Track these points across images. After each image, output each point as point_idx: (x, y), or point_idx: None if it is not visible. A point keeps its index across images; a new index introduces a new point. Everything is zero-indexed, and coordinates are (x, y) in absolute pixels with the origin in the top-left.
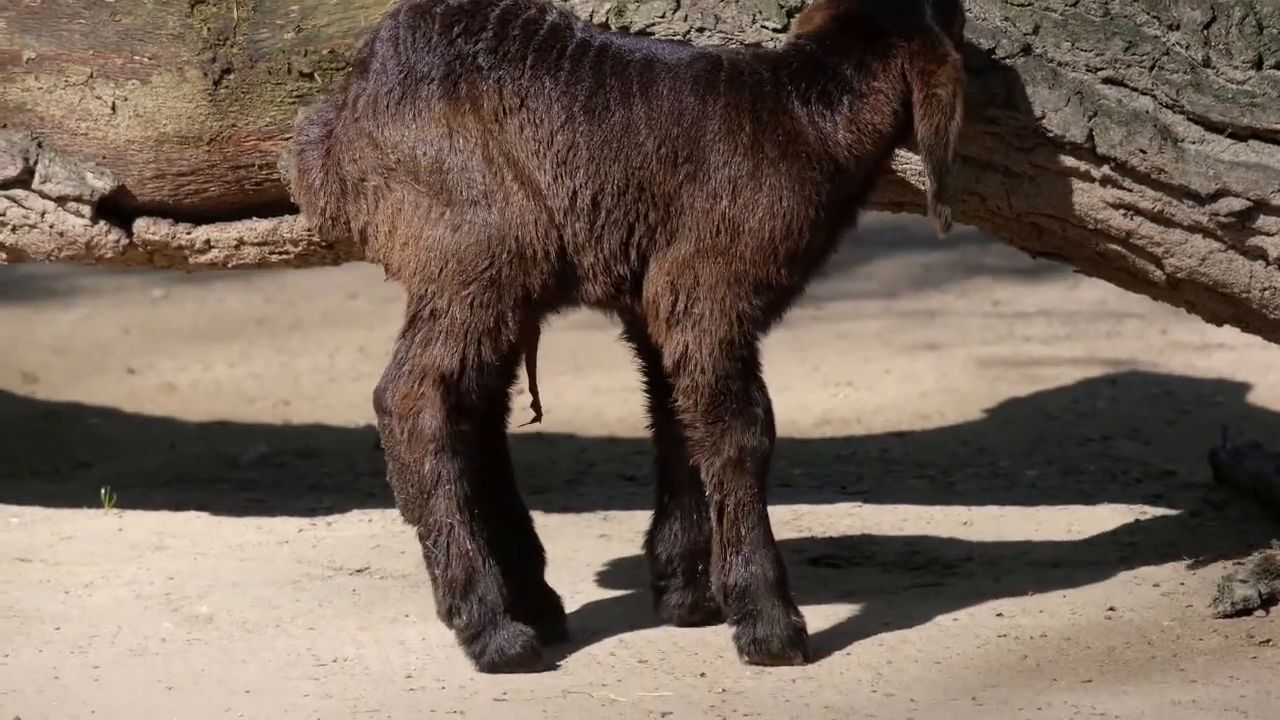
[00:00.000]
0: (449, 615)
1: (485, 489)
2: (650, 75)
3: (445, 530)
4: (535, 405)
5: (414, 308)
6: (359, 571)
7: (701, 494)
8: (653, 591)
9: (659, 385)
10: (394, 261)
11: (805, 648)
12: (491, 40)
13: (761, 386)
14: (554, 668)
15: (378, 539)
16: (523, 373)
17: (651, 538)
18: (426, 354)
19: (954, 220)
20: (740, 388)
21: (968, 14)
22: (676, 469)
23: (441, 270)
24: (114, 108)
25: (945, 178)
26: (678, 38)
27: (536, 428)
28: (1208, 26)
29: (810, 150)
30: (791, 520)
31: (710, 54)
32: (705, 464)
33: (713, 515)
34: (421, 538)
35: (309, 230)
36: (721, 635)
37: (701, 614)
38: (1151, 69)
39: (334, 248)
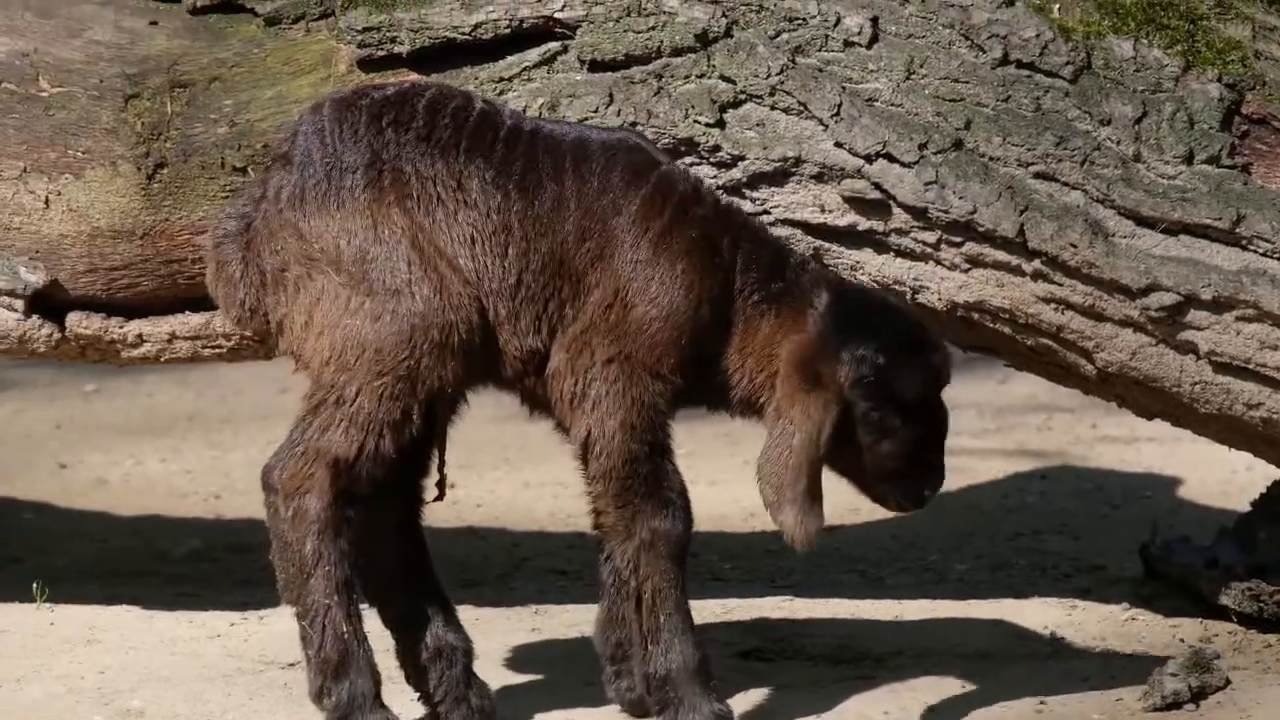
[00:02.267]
0: (319, 696)
1: (406, 579)
2: (585, 151)
3: (322, 611)
4: (440, 484)
5: (318, 396)
6: (290, 665)
7: None
8: (606, 677)
9: None
10: (306, 350)
11: None
12: (423, 129)
13: (674, 470)
14: None
15: None
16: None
17: (603, 623)
18: (324, 438)
19: None
20: (649, 471)
21: (899, 108)
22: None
23: (357, 360)
24: (47, 202)
25: (783, 490)
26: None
27: (468, 521)
28: (1139, 121)
29: (714, 271)
30: (722, 614)
31: (644, 146)
32: (619, 550)
33: (629, 604)
34: (298, 618)
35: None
36: None
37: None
38: (1083, 164)
39: (265, 342)
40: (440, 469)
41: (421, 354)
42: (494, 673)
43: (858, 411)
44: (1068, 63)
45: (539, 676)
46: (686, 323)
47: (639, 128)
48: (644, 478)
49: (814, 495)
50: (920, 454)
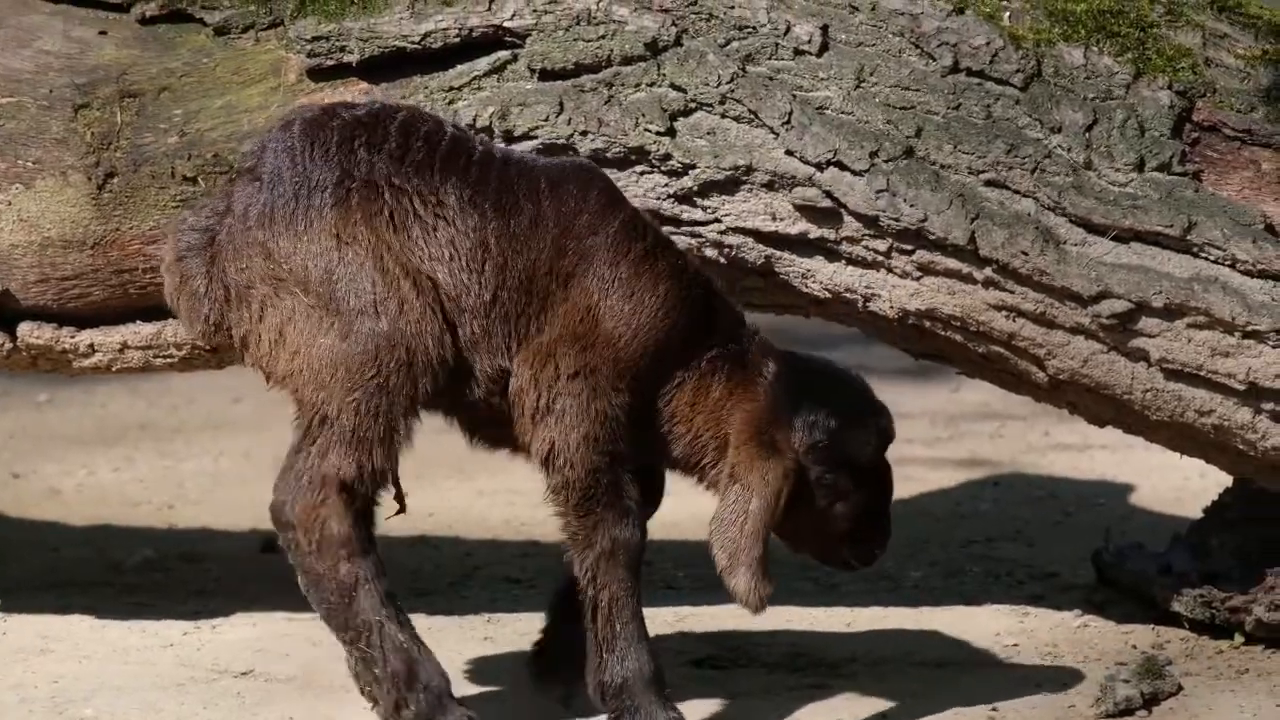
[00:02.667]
0: (396, 710)
1: None
2: (560, 174)
3: (376, 628)
4: (398, 498)
5: (306, 417)
6: (243, 674)
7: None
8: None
9: None
10: (280, 370)
11: None
12: (396, 150)
13: (631, 480)
14: None
15: (262, 642)
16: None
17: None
18: (325, 463)
19: (838, 322)
20: (610, 481)
21: (849, 115)
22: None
23: (331, 378)
24: None
25: (738, 555)
26: (561, 141)
27: (420, 530)
28: (1089, 129)
29: (689, 304)
30: (675, 622)
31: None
32: (579, 559)
33: (586, 613)
34: (351, 643)
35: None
36: None
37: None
38: (1034, 171)
39: (218, 351)
40: (396, 483)
41: (389, 371)
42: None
43: (811, 476)
44: (1018, 70)
45: (492, 687)
46: (653, 345)
47: (589, 136)
48: (605, 488)
49: (765, 560)
50: (870, 514)
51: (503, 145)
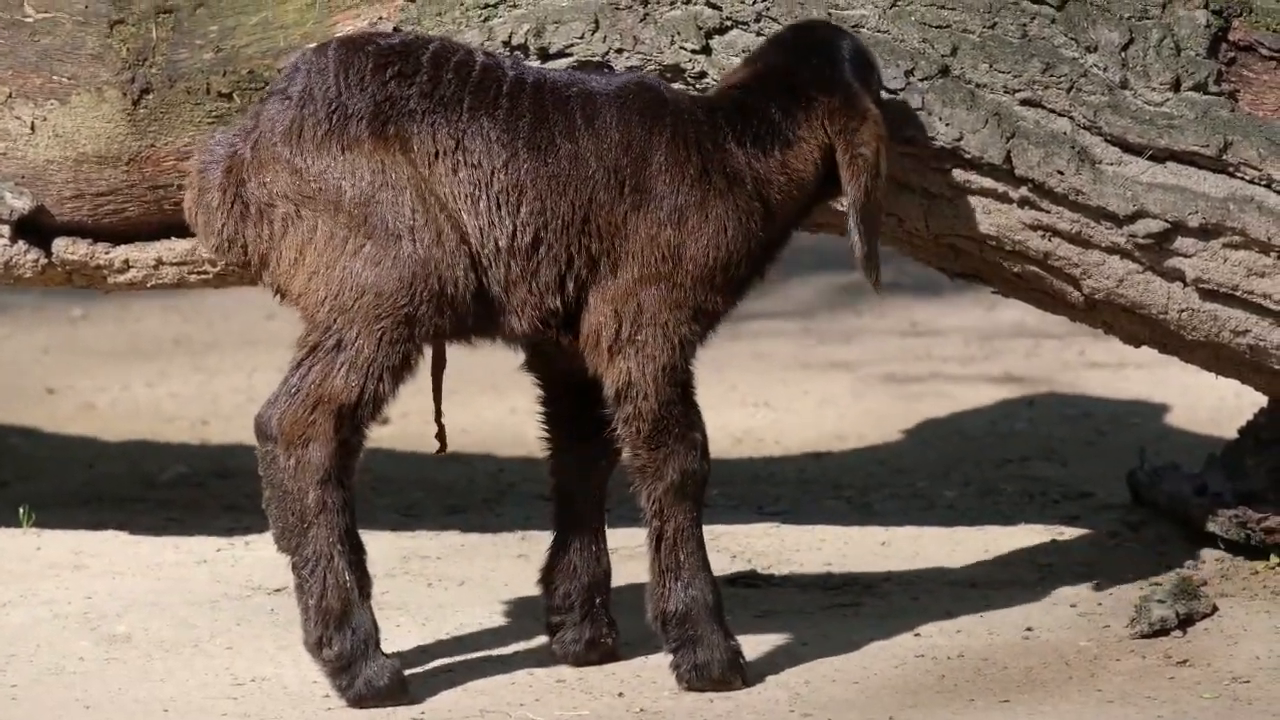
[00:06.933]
0: (318, 646)
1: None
2: (593, 107)
3: (325, 560)
4: (440, 435)
5: (314, 338)
6: (276, 591)
7: (601, 526)
8: (547, 629)
9: (558, 417)
10: (295, 288)
11: (744, 672)
12: (427, 84)
13: (698, 411)
14: (418, 700)
15: None
16: (426, 401)
17: (548, 572)
18: (326, 384)
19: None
20: (681, 413)
21: (885, 34)
22: (576, 501)
23: (355, 302)
24: (33, 127)
25: (875, 239)
26: (596, 59)
27: (455, 447)
28: (1125, 48)
29: (748, 187)
30: (710, 540)
31: (648, 84)
32: (646, 490)
33: (650, 542)
34: (296, 567)
35: None
36: (635, 661)
37: (598, 652)
38: (1069, 90)
39: (231, 268)
40: (438, 419)
41: (420, 300)
42: (481, 596)
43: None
44: None
45: (528, 600)
46: (744, 256)
47: (624, 54)
48: (676, 420)
49: None
50: None
51: (535, 65)
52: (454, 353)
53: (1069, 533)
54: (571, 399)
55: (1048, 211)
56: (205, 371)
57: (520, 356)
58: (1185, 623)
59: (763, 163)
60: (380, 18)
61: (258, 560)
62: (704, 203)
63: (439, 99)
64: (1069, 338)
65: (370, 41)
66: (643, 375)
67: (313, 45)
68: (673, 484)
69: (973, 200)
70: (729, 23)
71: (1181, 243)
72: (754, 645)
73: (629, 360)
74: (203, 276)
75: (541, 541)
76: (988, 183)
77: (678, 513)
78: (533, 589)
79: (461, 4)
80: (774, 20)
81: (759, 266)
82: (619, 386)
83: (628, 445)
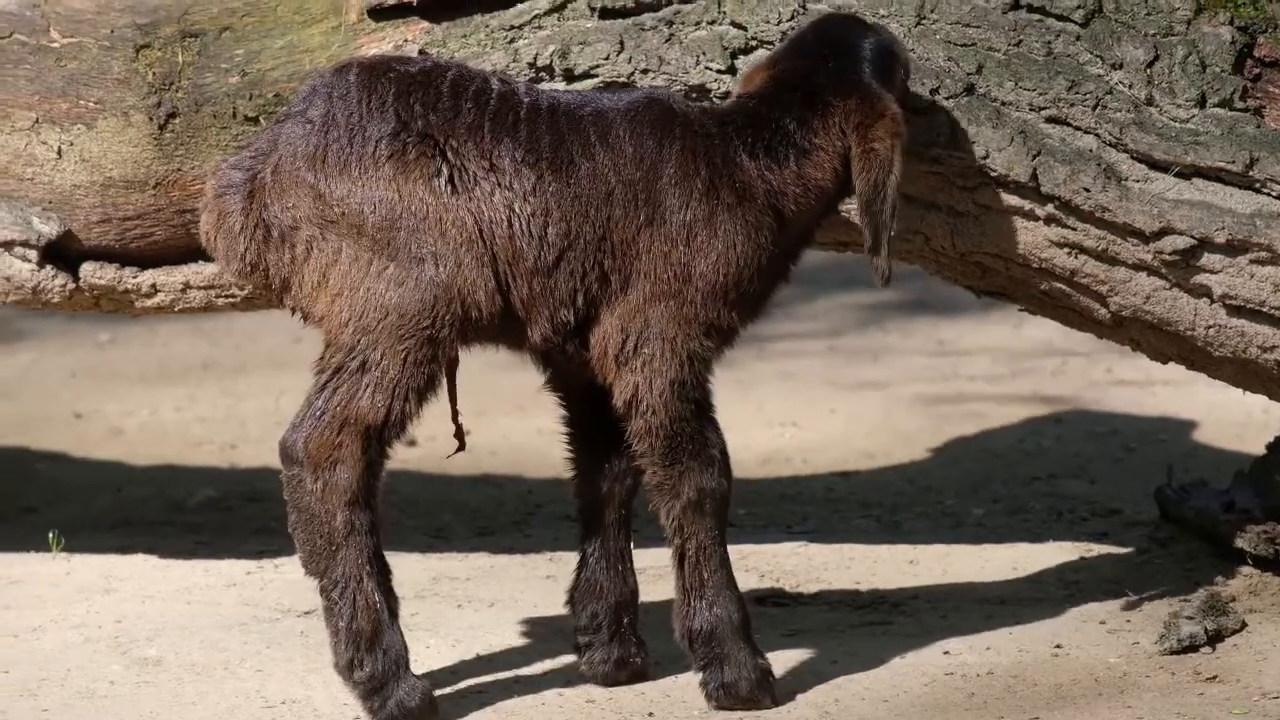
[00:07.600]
0: (349, 668)
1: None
2: (606, 123)
3: (354, 582)
4: (458, 434)
5: (338, 359)
6: (306, 614)
7: (627, 544)
8: (576, 649)
9: (582, 436)
10: (318, 311)
11: (774, 691)
12: (448, 110)
13: (716, 428)
14: None
15: None
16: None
17: (574, 592)
18: (352, 405)
19: (899, 260)
20: (695, 429)
21: (911, 54)
22: (602, 521)
23: (379, 323)
24: (60, 152)
25: (883, 233)
26: (621, 79)
27: (483, 469)
28: (1150, 65)
29: (759, 201)
30: (737, 560)
31: (658, 97)
32: (664, 508)
33: (673, 560)
34: (325, 590)
35: None
36: (664, 680)
37: (627, 671)
38: (1095, 108)
39: (252, 293)
40: (455, 419)
41: (442, 324)
42: (510, 617)
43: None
44: (1079, 6)
45: (552, 624)
46: (755, 271)
47: (650, 74)
48: (690, 436)
49: None
50: None
51: (547, 89)
52: (480, 375)
53: (1097, 550)
54: (595, 419)
55: (1074, 229)
56: (233, 395)
57: (541, 377)
58: (1214, 639)
59: (776, 174)
60: (406, 40)
61: (287, 583)
62: (712, 219)
63: (460, 125)
64: (1096, 355)
65: (390, 68)
66: (650, 390)
67: (326, 68)
68: (690, 501)
69: (999, 218)
70: (754, 43)
71: (1208, 259)
72: (783, 664)
73: (636, 374)
74: (230, 300)
75: (570, 562)
76: (1014, 200)
77: (698, 530)
78: (562, 609)
79: (487, 26)
80: None
81: (775, 278)
82: (626, 399)
83: (645, 463)
